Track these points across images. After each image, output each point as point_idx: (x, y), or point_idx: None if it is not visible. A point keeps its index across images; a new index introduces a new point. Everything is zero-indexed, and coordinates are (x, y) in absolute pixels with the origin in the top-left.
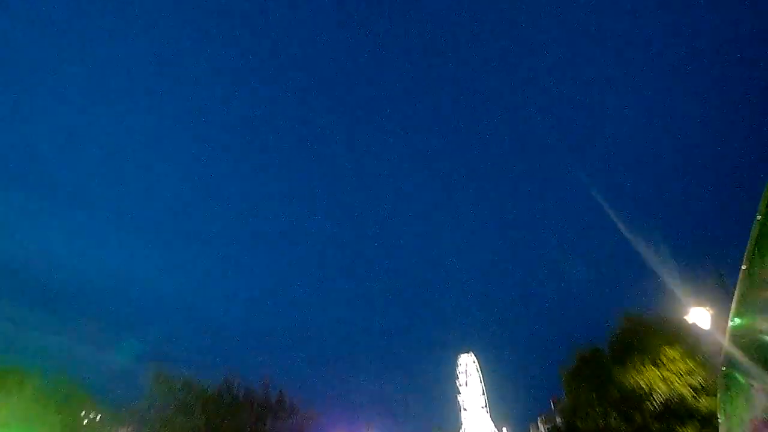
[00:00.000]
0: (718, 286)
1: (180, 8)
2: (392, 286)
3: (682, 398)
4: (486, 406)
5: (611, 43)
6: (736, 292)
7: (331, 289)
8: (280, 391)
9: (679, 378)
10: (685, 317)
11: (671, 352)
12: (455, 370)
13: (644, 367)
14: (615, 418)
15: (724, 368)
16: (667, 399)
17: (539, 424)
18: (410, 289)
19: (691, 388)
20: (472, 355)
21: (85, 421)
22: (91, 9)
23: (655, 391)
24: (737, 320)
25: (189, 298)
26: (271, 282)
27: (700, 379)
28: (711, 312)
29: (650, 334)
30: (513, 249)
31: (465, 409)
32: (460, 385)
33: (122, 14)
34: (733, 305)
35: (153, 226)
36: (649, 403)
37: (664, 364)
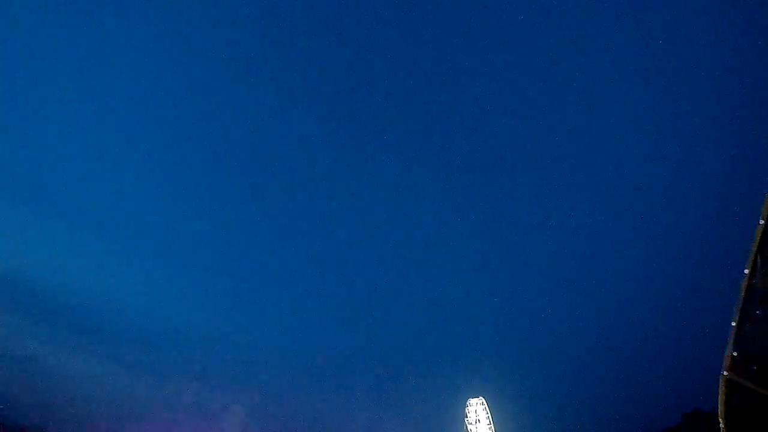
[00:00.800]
0: None
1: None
2: (393, 312)
3: None
4: None
5: (614, 39)
6: (739, 297)
7: (320, 310)
8: None
9: None
10: None
11: None
12: (464, 419)
13: None
14: None
15: (725, 373)
16: None
17: None
18: (415, 317)
19: None
20: (483, 400)
21: None
22: (95, 27)
23: None
24: (740, 325)
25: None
26: (248, 299)
27: None
28: None
29: None
30: (538, 293)
31: None
32: None
33: (130, 26)
34: (736, 310)
35: (155, 245)
36: None
37: None
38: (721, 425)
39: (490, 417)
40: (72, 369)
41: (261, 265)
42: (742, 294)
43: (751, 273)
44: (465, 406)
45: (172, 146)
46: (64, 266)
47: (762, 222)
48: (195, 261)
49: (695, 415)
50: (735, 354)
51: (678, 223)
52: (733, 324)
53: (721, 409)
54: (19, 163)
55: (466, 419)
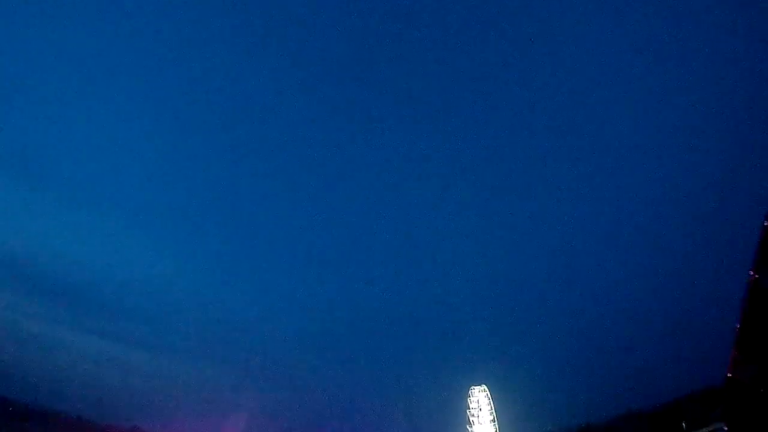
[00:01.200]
0: None
1: (179, 6)
2: (398, 303)
3: None
4: None
5: (614, 38)
6: (744, 300)
7: (326, 302)
8: None
9: None
10: None
11: None
12: (467, 410)
13: None
14: None
15: (729, 375)
16: None
17: None
18: (419, 307)
19: None
20: (485, 387)
21: None
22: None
23: None
24: (745, 328)
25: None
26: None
27: None
28: None
29: None
30: (540, 285)
31: None
32: (470, 425)
33: (126, 9)
34: (742, 313)
35: (153, 219)
36: None
37: None
38: (725, 428)
39: (492, 404)
40: (76, 347)
41: (268, 253)
42: (746, 296)
43: (755, 273)
44: (468, 394)
45: (173, 134)
46: (67, 246)
47: (766, 223)
48: (204, 246)
49: (691, 396)
50: (738, 354)
51: (677, 221)
52: (738, 326)
53: (724, 410)
54: (23, 145)
55: (468, 410)
